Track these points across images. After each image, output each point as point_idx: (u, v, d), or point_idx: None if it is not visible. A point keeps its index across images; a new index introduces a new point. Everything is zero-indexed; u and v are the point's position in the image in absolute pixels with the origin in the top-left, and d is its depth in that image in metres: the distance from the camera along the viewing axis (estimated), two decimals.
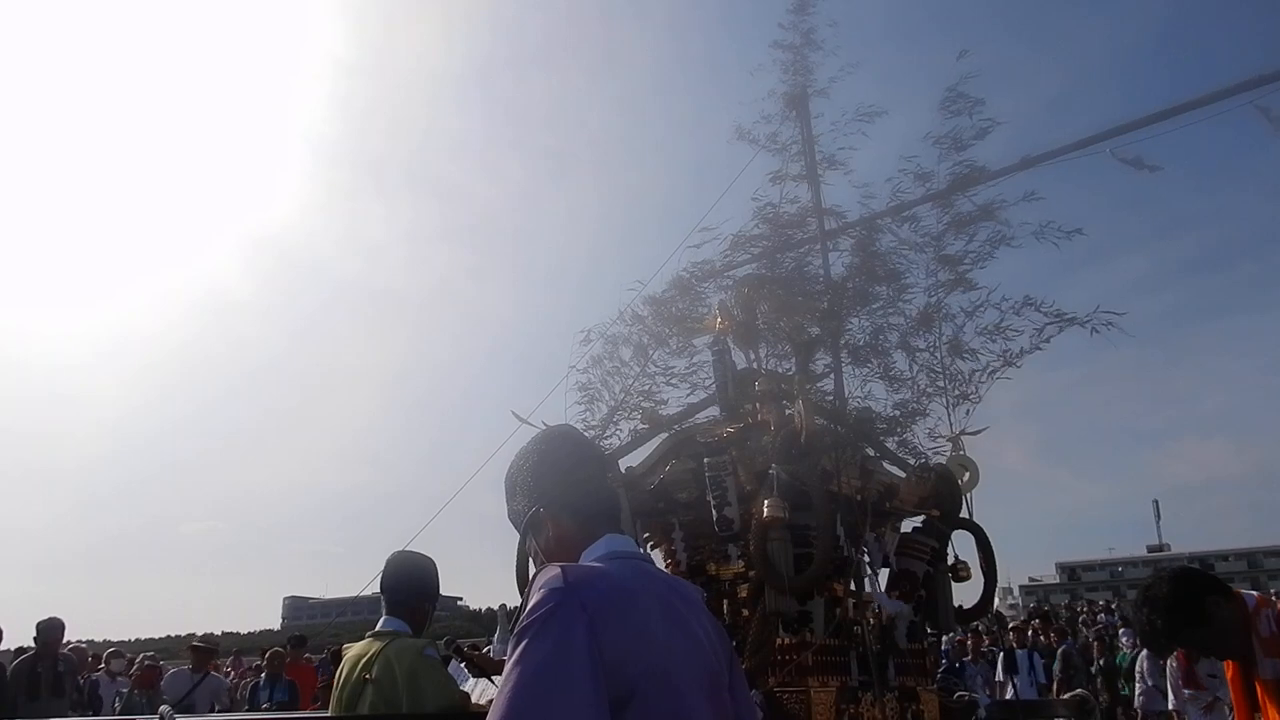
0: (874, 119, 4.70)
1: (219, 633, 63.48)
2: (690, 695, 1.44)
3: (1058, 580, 69.41)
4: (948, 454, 3.66)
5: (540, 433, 1.84)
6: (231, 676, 13.87)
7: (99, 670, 10.65)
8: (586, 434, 3.94)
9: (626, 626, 1.39)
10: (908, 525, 3.56)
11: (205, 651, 9.60)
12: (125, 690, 9.40)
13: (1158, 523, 73.96)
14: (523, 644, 1.34)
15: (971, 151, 4.12)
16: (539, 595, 1.38)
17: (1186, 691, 8.18)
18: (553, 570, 1.42)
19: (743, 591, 3.20)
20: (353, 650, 3.13)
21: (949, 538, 3.50)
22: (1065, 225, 3.85)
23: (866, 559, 3.24)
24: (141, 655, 11.22)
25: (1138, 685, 10.33)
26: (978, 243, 3.86)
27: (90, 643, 10.46)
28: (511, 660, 1.34)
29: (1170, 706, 8.98)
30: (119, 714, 8.38)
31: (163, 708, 2.88)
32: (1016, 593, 61.74)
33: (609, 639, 1.35)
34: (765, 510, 2.84)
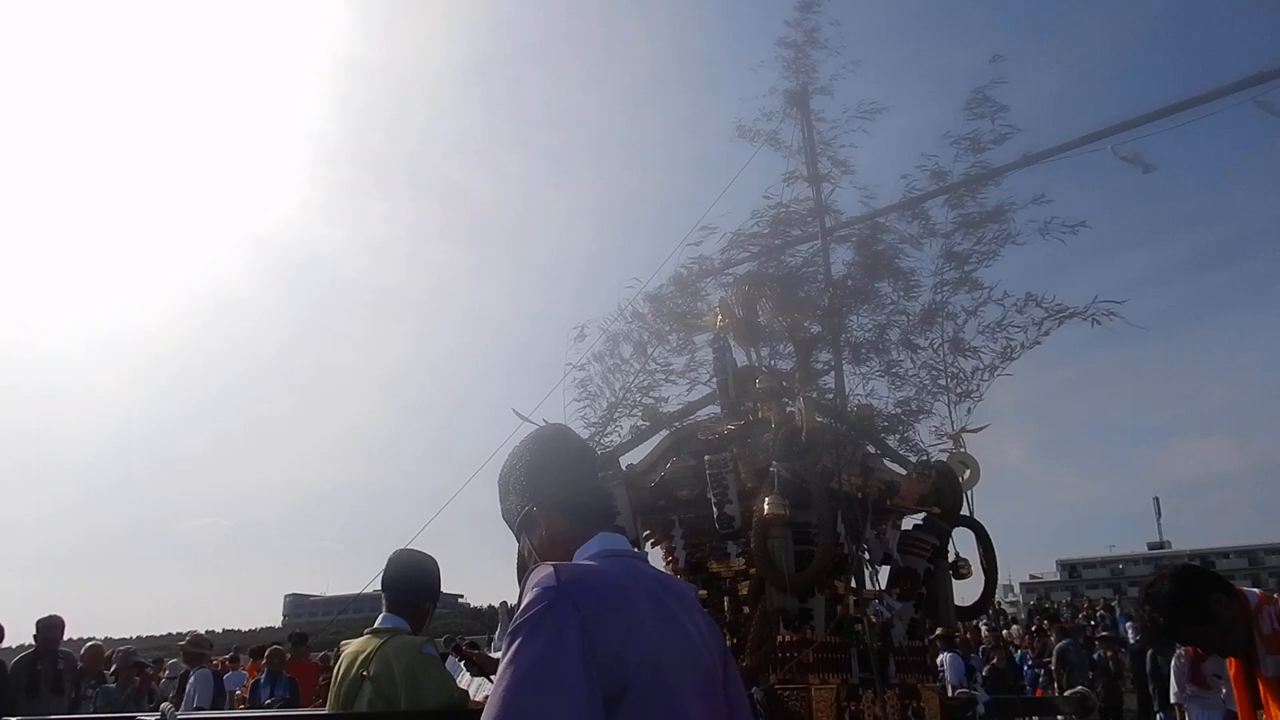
0: (875, 116, 4.70)
1: (220, 630, 63.60)
2: (683, 693, 1.44)
3: (1058, 578, 69.43)
4: (949, 451, 3.65)
5: (533, 432, 1.84)
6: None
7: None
8: (586, 431, 3.95)
9: (619, 625, 1.39)
10: (908, 523, 3.56)
11: (195, 655, 10.04)
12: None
13: (1158, 520, 74.01)
14: (516, 643, 1.34)
15: (988, 155, 4.12)
16: (532, 594, 1.38)
17: (1190, 688, 8.22)
18: (545, 569, 1.42)
19: (743, 589, 3.19)
20: (351, 647, 3.13)
21: (950, 535, 3.50)
22: (1069, 220, 3.85)
23: (867, 556, 3.24)
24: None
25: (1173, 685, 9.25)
26: (985, 242, 3.86)
27: (90, 640, 10.45)
28: (505, 659, 1.34)
29: (1172, 700, 9.01)
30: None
31: (164, 705, 2.88)
32: (1017, 590, 61.81)
33: (601, 637, 1.35)
34: (766, 508, 2.83)
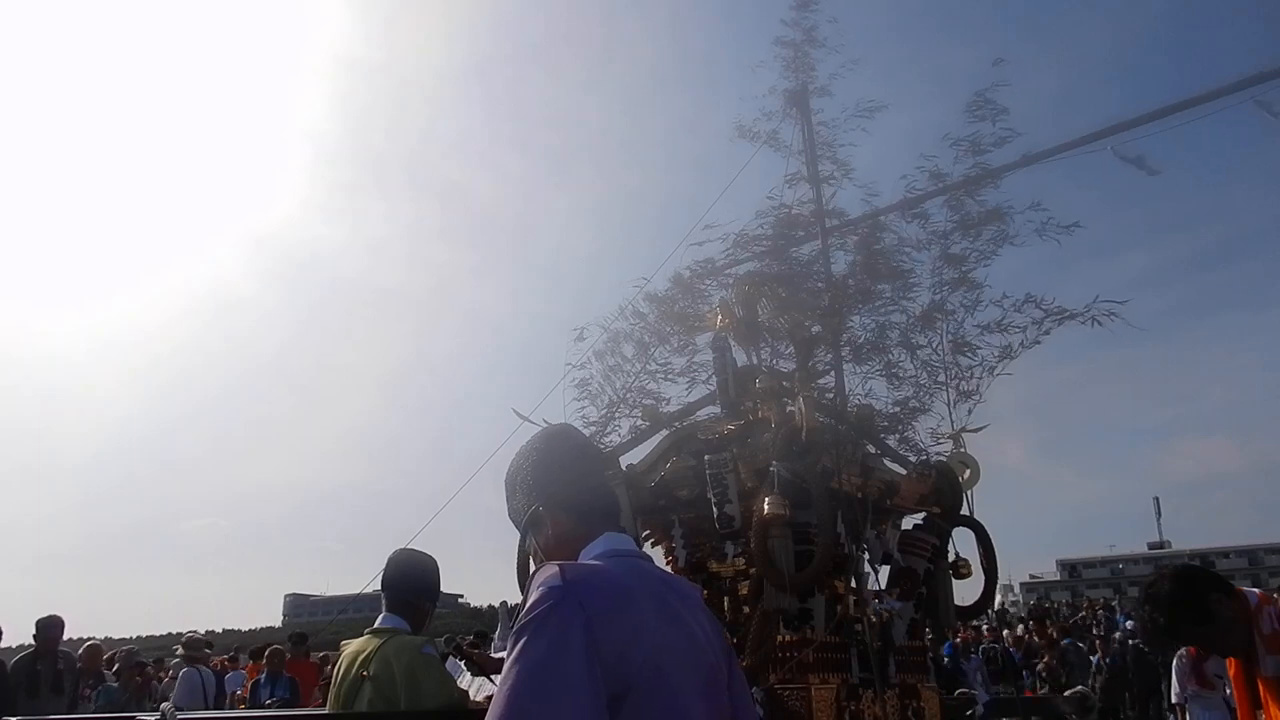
0: (874, 114, 4.69)
1: (220, 630, 63.60)
2: (686, 693, 1.45)
3: (1058, 578, 69.45)
4: (949, 451, 3.65)
5: (540, 432, 1.85)
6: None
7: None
8: (587, 431, 3.95)
9: (624, 625, 1.40)
10: (908, 522, 3.56)
11: (189, 656, 10.14)
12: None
13: (1158, 520, 74.05)
14: (521, 642, 1.35)
15: (988, 158, 4.12)
16: (537, 593, 1.39)
17: (1192, 687, 8.22)
18: (551, 569, 1.43)
19: (743, 589, 3.20)
20: (351, 647, 3.14)
21: (950, 535, 3.50)
22: (1064, 220, 3.87)
23: (867, 556, 3.24)
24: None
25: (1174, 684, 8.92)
26: (982, 242, 3.86)
27: (90, 640, 10.52)
28: (510, 658, 1.35)
29: (1174, 700, 9.01)
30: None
31: (164, 705, 2.88)
32: (1017, 590, 61.83)
33: (606, 637, 1.35)
34: (766, 507, 2.84)
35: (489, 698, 1.45)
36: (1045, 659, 12.59)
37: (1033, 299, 3.62)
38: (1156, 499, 77.08)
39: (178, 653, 10.82)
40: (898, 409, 3.79)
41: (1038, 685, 11.66)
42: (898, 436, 3.73)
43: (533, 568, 1.59)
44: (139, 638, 60.05)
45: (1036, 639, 14.32)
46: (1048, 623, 15.43)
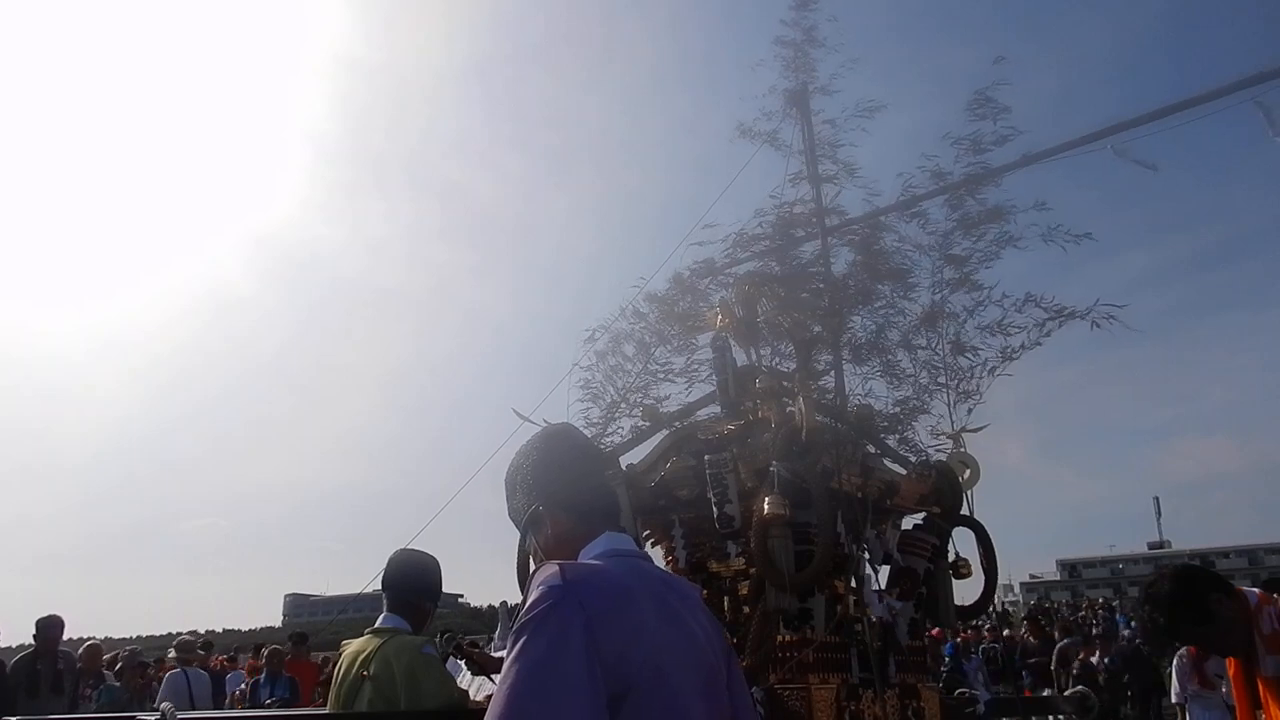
0: (874, 114, 4.70)
1: (220, 630, 63.61)
2: (685, 692, 1.45)
3: (1058, 577, 69.43)
4: (949, 451, 3.65)
5: (540, 431, 1.85)
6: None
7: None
8: (589, 431, 3.95)
9: (623, 624, 1.40)
10: (908, 522, 3.56)
11: (182, 658, 10.12)
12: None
13: (1158, 519, 74.07)
14: (521, 641, 1.35)
15: (988, 156, 4.11)
16: (537, 593, 1.39)
17: (1193, 687, 8.22)
18: (551, 568, 1.43)
19: (743, 589, 3.19)
20: (351, 646, 3.14)
21: (950, 535, 3.50)
22: (1073, 227, 3.85)
23: (867, 556, 3.24)
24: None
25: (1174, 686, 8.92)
26: (985, 243, 3.85)
27: (90, 640, 10.56)
28: (509, 657, 1.35)
29: (1174, 700, 9.00)
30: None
31: (164, 705, 2.88)
32: (1017, 590, 61.82)
33: (606, 636, 1.35)
34: (766, 507, 2.83)
35: (489, 697, 1.45)
36: (1082, 656, 12.55)
37: (1033, 299, 3.62)
38: (1156, 499, 77.19)
39: (170, 655, 10.83)
40: (898, 409, 3.79)
41: (1070, 683, 11.65)
42: (898, 436, 3.73)
43: (533, 567, 1.59)
44: (139, 638, 60.00)
45: (1032, 639, 14.33)
46: (1042, 622, 15.43)
